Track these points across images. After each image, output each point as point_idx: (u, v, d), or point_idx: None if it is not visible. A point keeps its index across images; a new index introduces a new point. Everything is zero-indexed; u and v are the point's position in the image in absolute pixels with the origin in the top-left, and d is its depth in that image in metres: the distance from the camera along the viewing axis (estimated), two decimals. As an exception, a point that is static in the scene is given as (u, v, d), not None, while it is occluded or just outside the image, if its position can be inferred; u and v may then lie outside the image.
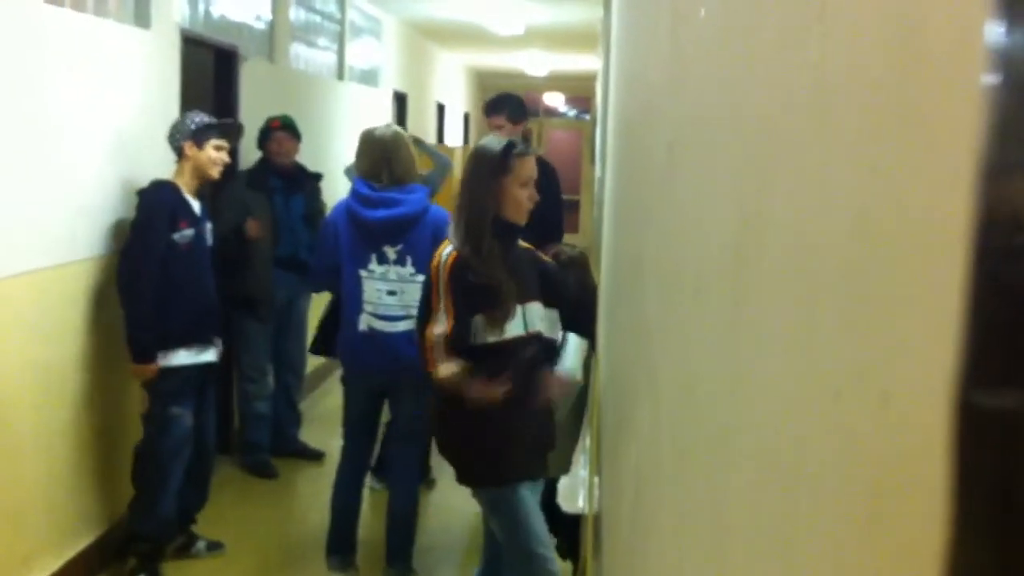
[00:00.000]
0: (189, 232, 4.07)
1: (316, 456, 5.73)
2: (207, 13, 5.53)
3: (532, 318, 3.13)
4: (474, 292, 3.02)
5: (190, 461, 4.16)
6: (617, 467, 1.82)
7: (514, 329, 3.06)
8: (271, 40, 6.58)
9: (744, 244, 0.57)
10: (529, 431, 3.14)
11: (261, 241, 5.23)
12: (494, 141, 3.26)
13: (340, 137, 8.08)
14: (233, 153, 5.18)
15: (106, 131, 4.16)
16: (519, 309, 3.08)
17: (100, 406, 4.11)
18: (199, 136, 4.16)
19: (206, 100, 5.55)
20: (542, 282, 3.22)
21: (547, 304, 3.20)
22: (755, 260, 0.54)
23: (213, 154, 4.18)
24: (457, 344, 3.01)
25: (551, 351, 3.29)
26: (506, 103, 5.61)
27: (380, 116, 9.98)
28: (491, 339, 3.04)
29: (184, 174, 4.16)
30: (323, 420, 6.22)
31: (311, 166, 5.88)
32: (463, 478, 3.23)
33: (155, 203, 4.02)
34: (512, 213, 3.13)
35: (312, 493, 5.27)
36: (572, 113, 19.97)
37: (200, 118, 4.22)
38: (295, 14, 7.16)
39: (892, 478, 0.37)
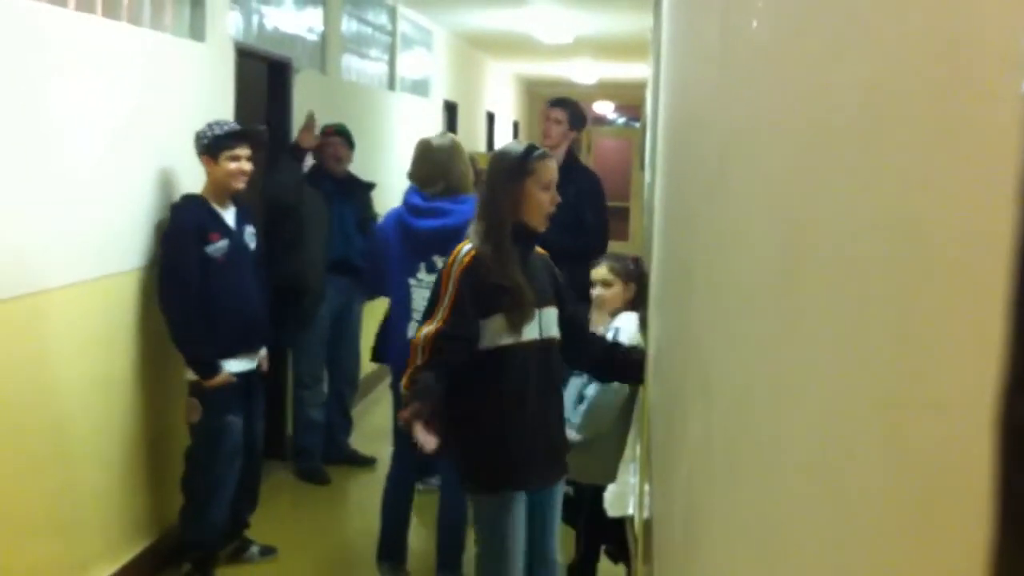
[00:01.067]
0: (222, 244, 4.06)
1: (367, 463, 5.78)
2: (260, 26, 5.61)
3: (548, 323, 3.13)
4: (490, 293, 3.00)
5: (241, 467, 4.21)
6: (669, 475, 1.81)
7: (530, 332, 3.06)
8: (323, 52, 6.66)
9: (791, 253, 0.57)
10: (534, 440, 3.09)
11: (314, 227, 5.30)
12: (515, 144, 3.27)
13: (391, 147, 8.14)
14: (274, 159, 5.25)
15: (162, 143, 4.23)
16: (536, 313, 3.08)
17: (149, 414, 4.18)
18: (213, 149, 4.11)
19: (259, 111, 5.63)
20: (555, 289, 3.22)
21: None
22: (802, 269, 0.54)
23: (230, 166, 4.10)
24: (447, 341, 2.96)
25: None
26: (568, 104, 5.64)
27: (430, 126, 10.05)
28: (507, 341, 3.02)
29: (209, 186, 4.16)
30: (374, 427, 6.26)
31: (362, 176, 5.93)
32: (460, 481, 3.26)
33: (181, 219, 4.04)
34: (533, 216, 3.14)
35: (363, 499, 5.31)
36: (621, 121, 19.92)
37: (217, 129, 4.15)
38: (347, 26, 7.24)
39: (942, 489, 0.37)
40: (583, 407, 3.53)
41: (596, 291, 3.69)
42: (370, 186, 5.80)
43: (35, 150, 3.32)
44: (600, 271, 3.70)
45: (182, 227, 4.01)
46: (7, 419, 3.22)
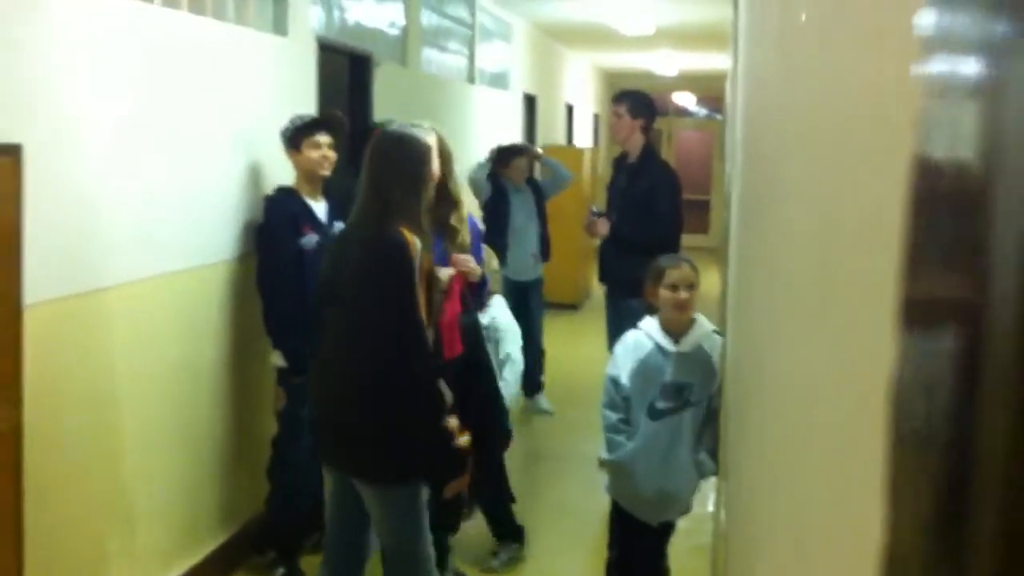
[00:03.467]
0: (313, 237, 4.14)
1: None
2: (342, 20, 5.71)
3: None
4: (432, 282, 3.06)
5: None
6: (736, 474, 1.81)
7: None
8: (404, 45, 6.74)
9: (827, 247, 0.58)
10: (440, 435, 3.06)
11: None
12: (424, 131, 3.21)
13: (471, 139, 8.20)
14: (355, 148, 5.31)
15: (246, 136, 4.34)
16: None
17: (237, 403, 4.28)
18: (295, 140, 4.21)
19: (341, 104, 5.73)
20: None
21: None
22: (837, 263, 0.55)
23: (313, 154, 4.20)
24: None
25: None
26: (628, 96, 5.69)
27: (510, 118, 10.08)
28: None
29: (299, 179, 4.25)
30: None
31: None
32: (372, 473, 3.06)
33: (276, 210, 4.13)
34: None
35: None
36: (703, 112, 19.73)
37: (297, 121, 4.24)
38: (427, 19, 7.31)
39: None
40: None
41: (682, 295, 3.46)
42: None
43: (128, 146, 3.43)
44: (686, 273, 3.49)
45: (277, 219, 4.11)
46: (96, 408, 3.34)
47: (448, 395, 3.02)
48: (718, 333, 3.55)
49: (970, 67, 0.36)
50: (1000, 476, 0.31)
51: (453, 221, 3.27)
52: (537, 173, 7.33)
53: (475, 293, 4.03)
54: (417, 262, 2.94)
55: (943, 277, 0.37)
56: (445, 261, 3.63)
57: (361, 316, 2.98)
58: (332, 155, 4.27)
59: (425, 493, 3.11)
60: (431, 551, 3.14)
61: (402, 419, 2.94)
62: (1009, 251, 0.30)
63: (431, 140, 3.17)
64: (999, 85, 0.32)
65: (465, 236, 3.36)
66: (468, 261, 3.83)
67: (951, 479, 0.34)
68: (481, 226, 6.63)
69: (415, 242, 2.95)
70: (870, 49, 0.57)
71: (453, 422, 3.03)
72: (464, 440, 3.06)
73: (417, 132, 3.16)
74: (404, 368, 2.92)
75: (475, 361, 3.73)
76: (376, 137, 3.22)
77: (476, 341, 3.77)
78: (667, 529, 3.66)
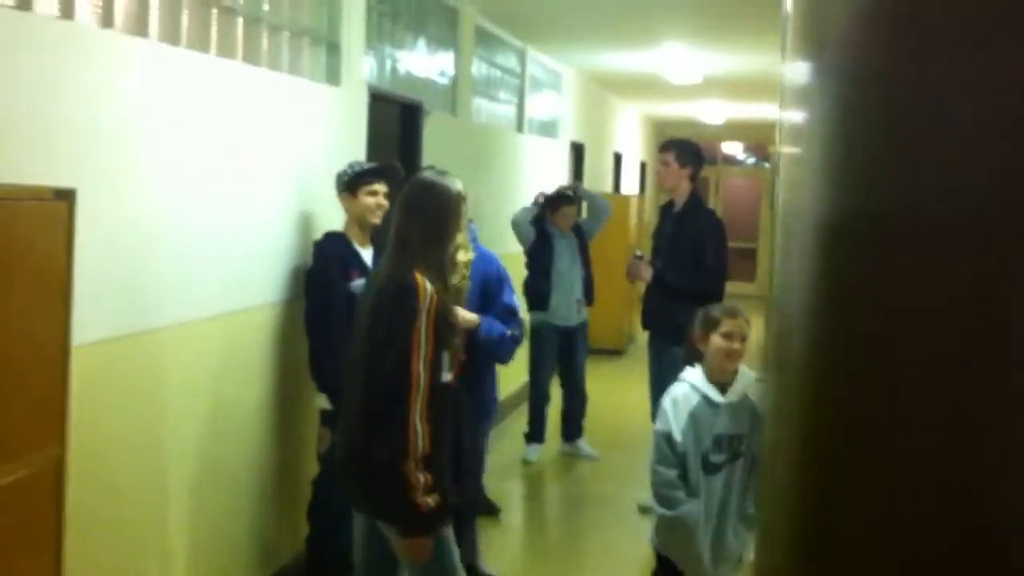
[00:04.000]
0: (361, 281, 4.16)
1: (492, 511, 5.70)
2: (394, 70, 5.80)
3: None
4: (444, 328, 3.02)
5: None
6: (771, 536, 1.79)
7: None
8: (454, 94, 6.82)
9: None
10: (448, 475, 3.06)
11: None
12: (451, 179, 3.25)
13: (519, 187, 8.25)
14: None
15: (297, 183, 4.41)
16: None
17: (280, 443, 4.32)
18: (352, 185, 4.28)
19: (391, 152, 5.80)
20: None
21: None
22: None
23: (368, 200, 4.27)
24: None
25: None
26: (675, 144, 5.74)
27: (558, 166, 10.14)
28: (447, 378, 3.04)
29: (350, 224, 4.32)
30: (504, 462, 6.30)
31: (493, 215, 6.03)
32: (391, 516, 3.00)
33: (326, 254, 4.19)
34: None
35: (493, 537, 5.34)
36: (750, 160, 19.68)
37: (356, 167, 4.33)
38: (477, 69, 7.40)
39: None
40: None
41: (735, 345, 3.45)
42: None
43: (179, 191, 3.51)
44: (741, 324, 3.47)
45: (328, 262, 4.17)
46: (141, 449, 3.39)
47: (422, 444, 2.90)
48: (761, 381, 3.52)
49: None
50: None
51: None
52: (584, 212, 7.36)
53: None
54: (424, 306, 2.94)
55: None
56: None
57: (371, 358, 3.01)
58: (386, 204, 4.33)
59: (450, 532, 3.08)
60: None
61: (388, 459, 2.90)
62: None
63: (458, 187, 3.21)
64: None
65: (463, 277, 3.32)
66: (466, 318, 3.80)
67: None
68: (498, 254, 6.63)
69: (425, 286, 2.97)
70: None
71: (423, 478, 2.90)
72: (431, 500, 2.91)
73: (446, 180, 3.21)
74: (392, 407, 2.92)
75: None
76: (407, 184, 3.29)
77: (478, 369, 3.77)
78: None
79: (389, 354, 2.94)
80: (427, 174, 3.29)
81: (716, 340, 3.43)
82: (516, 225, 6.73)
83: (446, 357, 3.05)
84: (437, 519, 2.98)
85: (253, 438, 4.14)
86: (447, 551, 3.06)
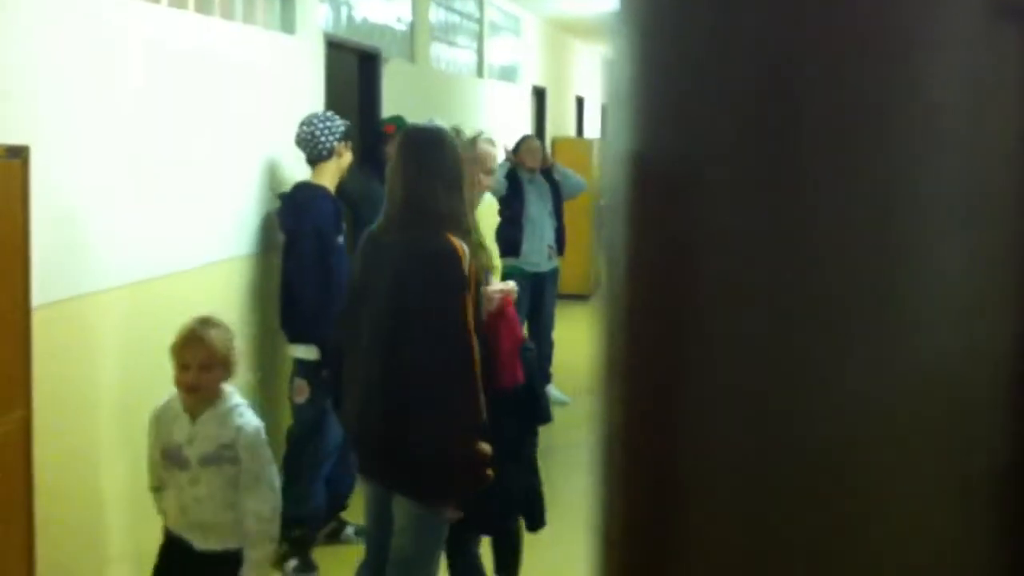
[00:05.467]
0: (342, 236, 4.20)
1: None
2: (350, 17, 5.71)
3: None
4: (478, 295, 2.88)
5: (341, 448, 4.28)
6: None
7: None
8: (412, 41, 6.73)
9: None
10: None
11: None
12: (442, 125, 3.08)
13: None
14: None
15: (256, 135, 4.35)
16: None
17: (252, 396, 4.30)
18: (348, 136, 4.28)
19: (350, 102, 5.73)
20: None
21: None
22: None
23: (349, 156, 4.32)
24: None
25: None
26: None
27: (520, 111, 10.07)
28: None
29: (330, 175, 4.24)
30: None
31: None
32: (412, 489, 2.91)
33: (325, 210, 4.13)
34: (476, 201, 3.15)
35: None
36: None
37: (332, 117, 4.29)
38: (435, 14, 7.30)
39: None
40: None
41: None
42: None
43: (134, 145, 3.44)
44: None
45: (326, 218, 4.12)
46: (106, 408, 3.36)
47: (484, 415, 2.82)
48: None
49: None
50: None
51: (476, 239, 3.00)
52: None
53: None
54: (467, 271, 2.77)
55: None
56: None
57: (404, 328, 2.81)
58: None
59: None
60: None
61: (441, 434, 2.79)
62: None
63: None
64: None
65: (493, 257, 3.18)
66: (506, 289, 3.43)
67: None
68: (496, 219, 6.62)
69: (463, 249, 2.78)
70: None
71: (485, 447, 2.83)
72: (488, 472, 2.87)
73: (444, 127, 3.06)
74: (449, 381, 2.77)
75: (531, 396, 3.35)
76: (407, 135, 3.06)
77: (532, 373, 3.36)
78: None
79: (438, 329, 2.76)
80: (427, 123, 3.13)
81: None
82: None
83: None
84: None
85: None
86: (441, 528, 2.99)
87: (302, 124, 4.28)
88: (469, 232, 2.87)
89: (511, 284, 3.34)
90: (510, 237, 6.70)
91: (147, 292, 3.56)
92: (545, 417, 3.49)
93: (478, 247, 2.96)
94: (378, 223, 3.00)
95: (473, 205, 3.08)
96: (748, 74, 0.53)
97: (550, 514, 4.72)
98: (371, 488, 3.10)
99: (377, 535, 3.10)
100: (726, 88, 0.53)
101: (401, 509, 2.96)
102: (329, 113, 4.37)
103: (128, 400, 3.46)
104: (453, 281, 2.75)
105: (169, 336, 3.68)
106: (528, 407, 3.33)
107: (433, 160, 2.87)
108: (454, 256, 2.74)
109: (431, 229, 2.79)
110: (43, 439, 2.61)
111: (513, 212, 6.65)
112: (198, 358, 2.77)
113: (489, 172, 3.26)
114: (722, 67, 0.53)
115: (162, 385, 3.66)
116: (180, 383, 2.81)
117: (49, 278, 2.85)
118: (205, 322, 2.88)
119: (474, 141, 3.31)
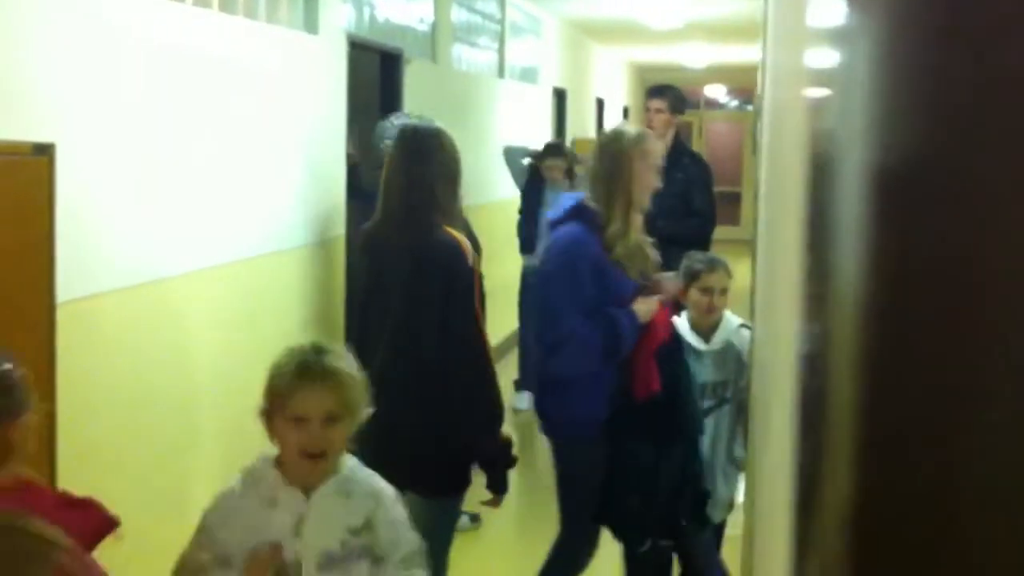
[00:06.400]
0: None
1: None
2: (372, 17, 5.73)
3: None
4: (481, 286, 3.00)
5: None
6: (759, 473, 1.81)
7: None
8: (433, 41, 6.75)
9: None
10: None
11: None
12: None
13: (501, 134, 8.20)
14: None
15: (279, 134, 4.37)
16: None
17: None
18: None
19: (371, 102, 5.75)
20: None
21: None
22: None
23: None
24: None
25: None
26: (669, 91, 5.71)
27: (540, 113, 10.08)
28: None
29: None
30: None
31: (472, 163, 5.99)
32: (416, 484, 2.90)
33: None
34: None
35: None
36: (734, 104, 19.60)
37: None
38: (456, 15, 7.32)
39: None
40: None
41: (716, 299, 3.45)
42: None
43: (157, 143, 3.47)
44: (722, 277, 3.47)
45: None
46: (133, 405, 3.39)
47: (501, 403, 2.91)
48: (745, 327, 3.54)
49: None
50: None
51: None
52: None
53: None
54: (471, 262, 2.84)
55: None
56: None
57: (412, 324, 2.86)
58: None
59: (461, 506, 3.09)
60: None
61: (455, 431, 2.85)
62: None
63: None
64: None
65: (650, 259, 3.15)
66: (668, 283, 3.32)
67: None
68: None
69: (466, 243, 2.85)
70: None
71: (507, 435, 2.95)
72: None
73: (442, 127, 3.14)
74: (460, 376, 2.82)
75: (675, 404, 3.12)
76: (404, 135, 3.14)
77: (675, 380, 3.12)
78: (717, 530, 3.63)
79: (447, 324, 2.81)
80: (415, 120, 3.22)
81: (694, 294, 3.47)
82: (508, 152, 6.68)
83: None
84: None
85: (247, 388, 4.13)
86: (457, 515, 3.07)
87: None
88: (467, 227, 2.98)
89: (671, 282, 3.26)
90: (527, 233, 6.71)
91: (171, 289, 3.58)
92: (688, 429, 3.12)
93: (637, 250, 3.02)
94: (374, 220, 3.08)
95: (642, 206, 3.07)
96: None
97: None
98: None
99: None
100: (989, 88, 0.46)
101: (407, 503, 3.01)
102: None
103: (151, 397, 3.48)
104: (459, 273, 2.82)
105: (193, 334, 3.71)
106: (663, 421, 3.07)
107: (431, 158, 2.95)
108: (457, 249, 2.82)
109: (430, 225, 2.87)
110: (66, 434, 2.64)
111: (531, 209, 6.64)
112: (324, 407, 1.97)
113: (655, 170, 3.23)
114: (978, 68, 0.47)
115: (184, 382, 3.68)
116: (300, 448, 1.97)
117: (74, 275, 2.87)
118: (325, 352, 2.07)
119: (639, 138, 3.22)
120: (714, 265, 3.53)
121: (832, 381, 0.47)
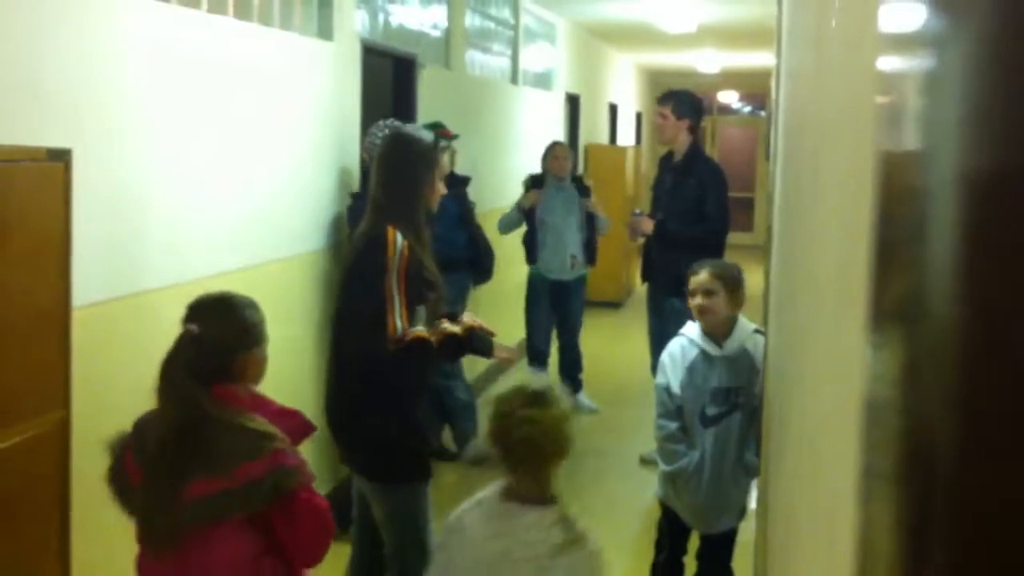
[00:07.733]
0: None
1: (452, 458, 5.68)
2: (386, 23, 5.75)
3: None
4: (420, 283, 3.06)
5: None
6: (777, 476, 1.80)
7: (423, 324, 3.11)
8: (447, 47, 6.76)
9: (846, 252, 0.58)
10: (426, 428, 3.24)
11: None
12: (423, 131, 3.36)
13: (514, 140, 8.20)
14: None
15: (293, 139, 4.38)
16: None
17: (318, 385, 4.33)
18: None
19: (385, 107, 5.76)
20: None
21: None
22: (854, 267, 0.55)
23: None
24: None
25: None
26: (673, 96, 5.67)
27: (554, 118, 10.08)
28: (420, 331, 3.02)
29: None
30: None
31: (488, 169, 6.00)
32: (386, 475, 3.08)
33: None
34: (434, 205, 3.26)
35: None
36: (747, 110, 19.57)
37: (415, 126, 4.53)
38: (470, 21, 7.33)
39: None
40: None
41: (697, 300, 3.43)
42: (466, 180, 5.67)
43: (172, 149, 3.48)
44: (702, 279, 3.42)
45: None
46: (152, 401, 3.39)
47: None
48: (760, 332, 3.52)
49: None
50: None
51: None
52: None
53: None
54: (394, 258, 2.96)
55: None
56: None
57: (345, 314, 3.09)
58: None
59: (428, 489, 3.14)
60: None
61: (394, 412, 3.00)
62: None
63: (427, 137, 3.35)
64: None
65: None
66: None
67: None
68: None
69: (395, 239, 2.98)
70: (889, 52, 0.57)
71: (450, 327, 3.05)
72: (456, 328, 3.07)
73: (411, 130, 3.29)
74: (378, 364, 2.96)
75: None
76: (388, 139, 3.38)
77: None
78: (728, 536, 3.61)
79: (364, 311, 2.98)
80: (407, 128, 3.40)
81: (690, 299, 3.50)
82: (506, 224, 6.63)
83: (422, 312, 3.07)
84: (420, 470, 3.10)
85: (297, 377, 4.14)
86: (425, 505, 3.10)
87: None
88: (416, 227, 3.08)
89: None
90: (530, 242, 6.68)
91: (186, 295, 3.59)
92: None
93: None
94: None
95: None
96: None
97: (584, 518, 4.67)
98: (355, 484, 3.30)
99: (361, 513, 3.30)
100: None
101: (371, 497, 3.15)
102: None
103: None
104: (374, 264, 2.96)
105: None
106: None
107: (385, 161, 3.16)
108: (379, 242, 2.97)
109: (378, 223, 3.05)
110: (81, 440, 2.65)
111: (535, 217, 6.60)
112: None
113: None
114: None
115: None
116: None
117: (89, 280, 2.89)
118: (543, 400, 2.37)
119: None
120: (696, 269, 3.52)
121: (923, 407, 0.45)
